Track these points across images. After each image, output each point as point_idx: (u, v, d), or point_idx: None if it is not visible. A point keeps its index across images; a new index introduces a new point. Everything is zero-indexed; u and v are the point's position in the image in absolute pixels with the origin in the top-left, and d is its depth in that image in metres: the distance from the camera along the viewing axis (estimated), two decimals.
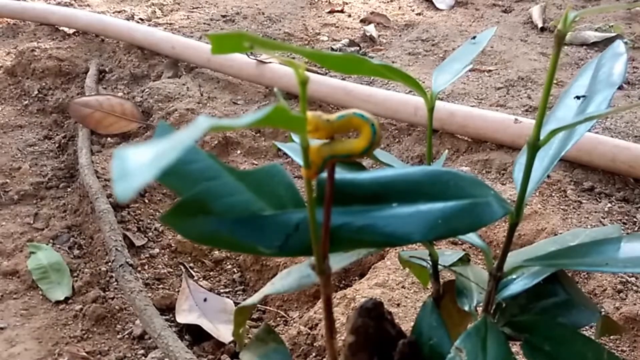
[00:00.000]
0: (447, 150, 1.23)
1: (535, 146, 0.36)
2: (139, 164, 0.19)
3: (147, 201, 1.19)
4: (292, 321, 0.96)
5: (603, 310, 0.86)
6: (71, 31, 1.80)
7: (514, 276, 0.44)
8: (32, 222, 1.19)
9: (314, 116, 0.33)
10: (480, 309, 0.44)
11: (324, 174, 0.35)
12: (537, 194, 1.08)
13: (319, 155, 0.33)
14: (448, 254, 0.51)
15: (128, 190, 0.18)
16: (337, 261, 0.42)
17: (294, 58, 0.32)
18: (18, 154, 1.38)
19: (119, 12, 1.93)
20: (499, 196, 0.36)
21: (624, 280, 0.90)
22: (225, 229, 0.33)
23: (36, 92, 1.59)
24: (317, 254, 0.35)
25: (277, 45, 0.28)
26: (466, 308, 0.45)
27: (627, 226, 1.01)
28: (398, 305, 0.88)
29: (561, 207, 1.05)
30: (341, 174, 0.36)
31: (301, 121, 0.28)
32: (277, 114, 0.24)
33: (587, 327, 0.85)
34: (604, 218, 1.02)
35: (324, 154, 0.33)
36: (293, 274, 0.45)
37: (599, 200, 1.07)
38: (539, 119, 0.36)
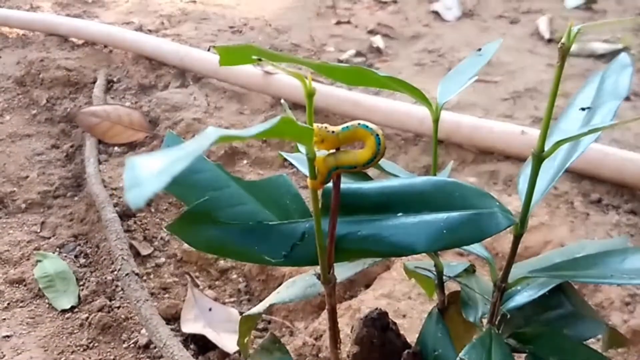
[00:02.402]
0: (452, 161, 1.23)
1: (540, 157, 0.36)
2: (150, 172, 0.19)
3: (153, 210, 1.20)
4: (297, 332, 0.96)
5: (610, 323, 0.86)
6: (80, 42, 1.82)
7: (519, 287, 0.44)
8: (39, 230, 1.20)
9: (320, 128, 0.33)
10: (485, 320, 0.44)
11: (330, 184, 0.35)
12: (545, 205, 1.07)
13: (324, 166, 0.34)
14: (454, 264, 0.51)
15: (140, 198, 0.19)
16: (343, 271, 0.43)
17: (300, 69, 0.32)
18: (26, 162, 1.39)
19: (128, 23, 1.95)
20: (503, 207, 0.36)
21: (632, 293, 0.89)
22: (232, 238, 0.34)
23: (44, 102, 1.60)
24: (322, 263, 0.35)
25: (283, 58, 0.28)
26: (471, 319, 0.45)
27: (634, 238, 1.01)
28: (404, 316, 0.88)
29: (569, 218, 1.04)
30: (347, 184, 0.36)
31: (308, 133, 0.28)
32: (285, 126, 0.24)
33: (594, 341, 0.85)
34: (611, 230, 1.02)
35: (330, 164, 0.34)
36: (298, 283, 0.45)
37: (607, 212, 1.07)
38: (543, 130, 0.36)
